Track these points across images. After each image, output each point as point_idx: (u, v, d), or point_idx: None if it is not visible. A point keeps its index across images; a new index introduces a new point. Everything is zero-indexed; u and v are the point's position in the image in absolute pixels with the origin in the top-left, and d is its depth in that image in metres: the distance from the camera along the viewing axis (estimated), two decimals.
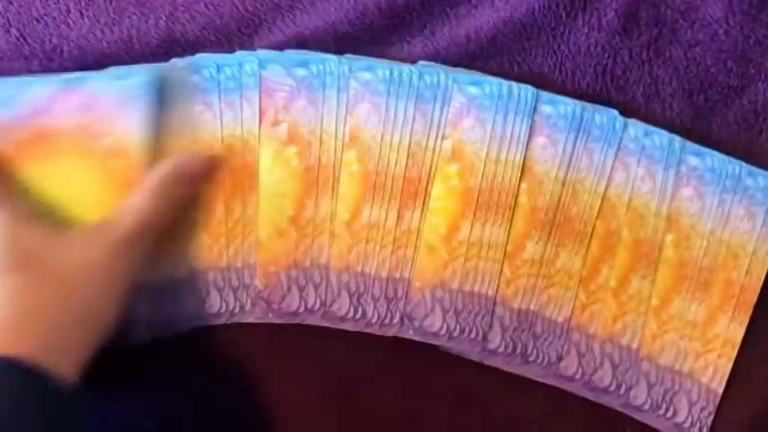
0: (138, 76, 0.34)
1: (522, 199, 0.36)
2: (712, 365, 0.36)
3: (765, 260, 0.37)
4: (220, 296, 0.35)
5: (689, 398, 0.36)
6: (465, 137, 0.36)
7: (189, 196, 0.34)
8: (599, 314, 0.36)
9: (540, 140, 0.36)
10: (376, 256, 0.36)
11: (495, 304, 0.36)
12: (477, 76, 0.37)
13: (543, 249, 0.36)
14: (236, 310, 0.35)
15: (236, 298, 0.35)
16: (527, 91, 0.36)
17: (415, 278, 0.37)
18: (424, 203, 0.36)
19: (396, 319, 0.37)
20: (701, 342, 0.36)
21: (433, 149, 0.36)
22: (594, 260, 0.36)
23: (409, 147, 0.36)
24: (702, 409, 0.36)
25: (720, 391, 0.36)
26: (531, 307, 0.36)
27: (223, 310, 0.35)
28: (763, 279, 0.37)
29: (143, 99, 0.34)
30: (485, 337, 0.37)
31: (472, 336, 0.37)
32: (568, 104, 0.37)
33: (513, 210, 0.36)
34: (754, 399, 0.37)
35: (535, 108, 0.36)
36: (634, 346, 0.36)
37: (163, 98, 0.34)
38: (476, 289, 0.36)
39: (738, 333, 0.36)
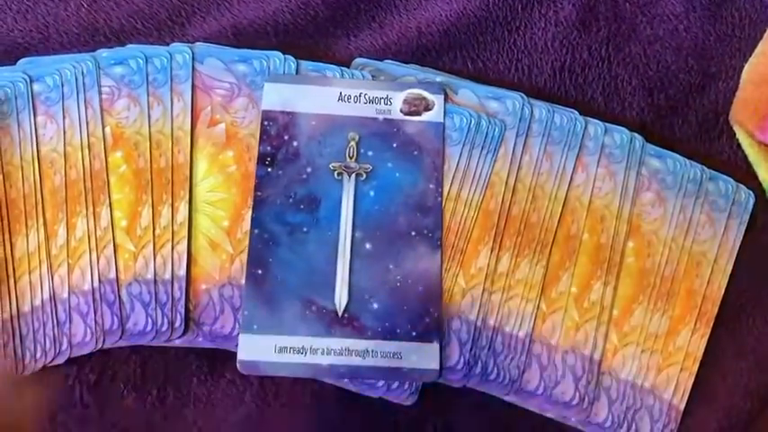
0: None
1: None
2: (674, 380, 0.34)
3: (727, 269, 0.35)
4: (146, 312, 0.32)
5: (651, 415, 0.34)
6: None
7: None
8: (560, 324, 0.34)
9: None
10: None
11: None
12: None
13: (497, 259, 0.34)
14: (164, 328, 0.31)
15: (163, 314, 0.31)
16: None
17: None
18: None
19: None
20: (663, 356, 0.34)
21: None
22: (555, 267, 0.34)
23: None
24: (665, 427, 0.34)
25: (682, 407, 0.34)
26: (490, 322, 0.34)
27: (149, 328, 0.31)
28: (724, 288, 0.35)
29: None
30: None
31: None
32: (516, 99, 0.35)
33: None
34: (717, 414, 0.35)
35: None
36: (596, 357, 0.34)
37: None
38: None
39: (700, 346, 0.34)
